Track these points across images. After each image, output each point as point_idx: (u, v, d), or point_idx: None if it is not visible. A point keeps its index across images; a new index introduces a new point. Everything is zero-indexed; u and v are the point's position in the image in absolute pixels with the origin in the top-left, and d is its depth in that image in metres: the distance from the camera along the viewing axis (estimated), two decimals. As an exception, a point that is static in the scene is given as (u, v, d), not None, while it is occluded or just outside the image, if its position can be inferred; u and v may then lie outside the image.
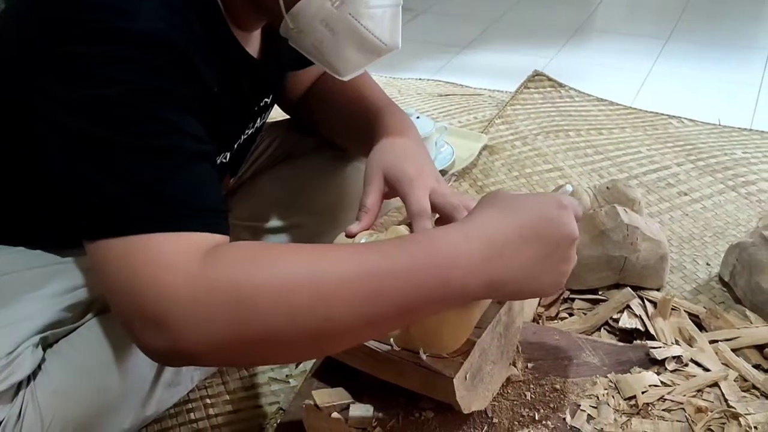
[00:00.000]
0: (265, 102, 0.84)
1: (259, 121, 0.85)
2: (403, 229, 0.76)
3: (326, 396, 0.78)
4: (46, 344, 0.70)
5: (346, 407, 0.77)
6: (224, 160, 0.77)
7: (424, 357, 0.70)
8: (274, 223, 0.91)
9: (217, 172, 0.61)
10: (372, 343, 0.72)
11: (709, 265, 1.10)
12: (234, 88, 0.72)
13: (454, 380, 0.67)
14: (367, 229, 0.75)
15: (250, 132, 0.84)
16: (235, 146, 0.80)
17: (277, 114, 0.96)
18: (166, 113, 0.54)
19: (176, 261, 0.50)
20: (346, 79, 0.71)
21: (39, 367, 0.68)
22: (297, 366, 0.92)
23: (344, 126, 0.90)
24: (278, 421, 0.81)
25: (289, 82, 0.92)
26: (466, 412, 0.71)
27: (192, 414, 0.85)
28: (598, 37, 2.21)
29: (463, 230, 0.57)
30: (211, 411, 0.86)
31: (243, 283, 0.49)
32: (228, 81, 0.69)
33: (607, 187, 1.09)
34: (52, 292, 0.69)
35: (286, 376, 0.91)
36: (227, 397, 0.88)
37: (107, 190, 0.52)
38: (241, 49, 0.72)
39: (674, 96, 1.74)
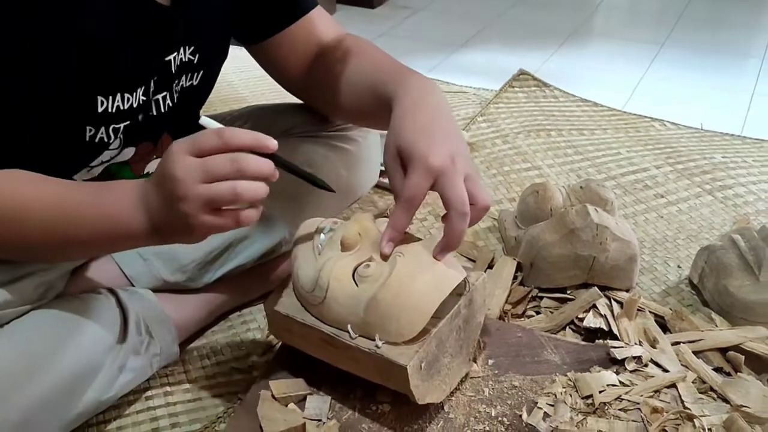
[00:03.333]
0: (187, 58, 0.80)
1: (185, 78, 0.81)
2: (368, 217, 0.76)
3: (283, 386, 0.78)
4: None
5: (303, 398, 0.77)
6: (121, 106, 0.73)
7: (380, 344, 0.69)
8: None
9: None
10: (330, 330, 0.72)
11: (680, 267, 1.10)
12: (126, 35, 0.70)
13: (408, 368, 0.67)
14: (402, 234, 0.72)
15: (166, 84, 0.79)
16: (140, 97, 0.75)
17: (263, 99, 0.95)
18: None
19: None
20: None
21: None
22: (260, 357, 0.92)
23: (357, 101, 0.84)
24: (234, 411, 0.81)
25: (283, 53, 0.89)
26: (420, 402, 0.71)
27: (151, 401, 0.85)
28: (594, 40, 2.22)
29: (136, 197, 0.66)
30: (170, 399, 0.85)
31: None
32: (120, 28, 0.69)
33: (581, 187, 1.08)
34: (5, 278, 0.69)
35: (249, 366, 0.90)
36: (187, 385, 0.87)
37: None
38: None
39: (666, 101, 1.74)
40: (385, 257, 0.71)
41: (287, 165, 0.69)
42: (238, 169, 0.62)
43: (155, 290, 0.87)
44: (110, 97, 0.71)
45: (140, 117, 0.77)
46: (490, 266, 1.05)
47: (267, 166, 0.63)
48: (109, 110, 0.72)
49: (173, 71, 0.79)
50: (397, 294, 0.69)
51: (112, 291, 0.82)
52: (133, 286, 0.87)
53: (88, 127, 0.72)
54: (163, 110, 0.80)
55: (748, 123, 1.65)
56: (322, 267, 0.72)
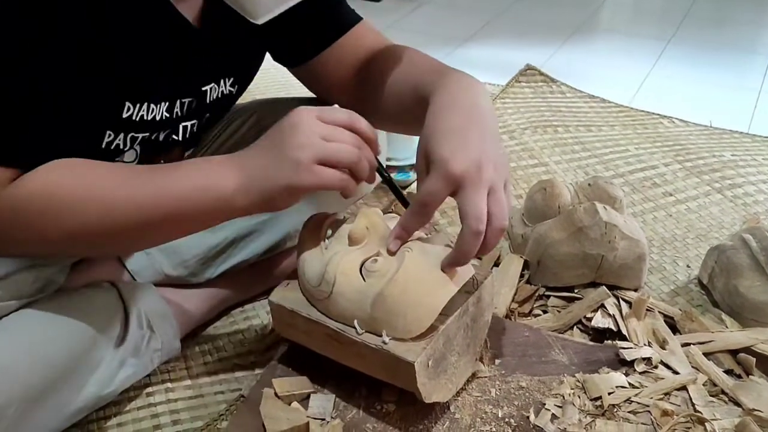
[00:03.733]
0: (228, 91, 0.81)
1: (221, 108, 0.82)
2: (376, 212, 0.74)
3: (287, 384, 0.77)
4: None
5: (307, 397, 0.76)
6: (145, 115, 0.73)
7: (387, 340, 0.68)
8: None
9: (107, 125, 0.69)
10: (336, 325, 0.71)
11: (689, 267, 1.09)
12: (158, 45, 0.70)
13: (416, 365, 0.66)
14: (410, 237, 0.71)
15: (194, 107, 0.79)
16: (164, 113, 0.75)
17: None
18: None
19: None
20: (258, 21, 0.67)
21: None
22: (263, 354, 0.90)
23: (400, 105, 0.80)
24: (236, 409, 0.80)
25: (329, 70, 0.86)
26: (426, 401, 0.70)
27: (152, 398, 0.84)
28: (600, 36, 2.20)
29: (225, 161, 0.67)
30: (171, 395, 0.84)
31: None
32: (152, 38, 0.69)
33: (589, 184, 1.07)
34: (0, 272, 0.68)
35: (252, 363, 0.89)
36: (189, 382, 0.86)
37: None
38: (169, 7, 0.69)
39: (672, 97, 1.72)
40: (391, 254, 0.70)
41: (382, 169, 0.73)
42: (359, 146, 0.66)
43: (157, 284, 0.86)
44: (138, 105, 0.71)
45: (162, 135, 0.77)
46: (497, 264, 1.03)
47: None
48: (133, 117, 0.71)
49: (208, 101, 0.79)
50: (404, 290, 0.67)
51: (113, 284, 0.81)
52: (134, 280, 0.86)
53: (107, 132, 0.71)
54: (187, 136, 0.80)
55: (756, 120, 1.63)
56: (329, 261, 0.71)
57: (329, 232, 0.75)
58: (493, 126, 0.69)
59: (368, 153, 0.68)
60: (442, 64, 0.79)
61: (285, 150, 0.64)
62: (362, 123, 0.67)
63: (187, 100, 0.77)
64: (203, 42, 0.74)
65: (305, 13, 0.77)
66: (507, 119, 1.54)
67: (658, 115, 1.60)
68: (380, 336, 0.69)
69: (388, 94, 0.81)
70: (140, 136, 0.74)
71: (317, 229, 0.75)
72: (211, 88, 0.79)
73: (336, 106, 0.71)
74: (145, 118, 0.72)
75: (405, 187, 1.26)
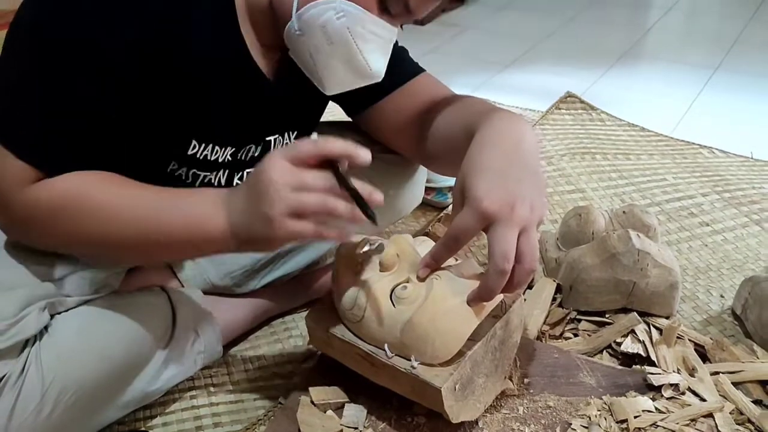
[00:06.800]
0: (290, 142, 0.84)
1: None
2: (407, 239, 0.78)
3: (323, 393, 0.80)
4: (56, 311, 0.74)
5: (341, 406, 0.80)
6: (209, 156, 0.78)
7: (415, 365, 0.71)
8: None
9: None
10: (368, 348, 0.74)
11: (723, 297, 1.09)
12: (232, 91, 0.75)
13: (443, 390, 0.69)
14: (439, 266, 0.73)
15: (256, 155, 0.83)
16: (228, 156, 0.80)
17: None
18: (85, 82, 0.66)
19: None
20: (328, 93, 0.73)
21: (47, 329, 0.72)
22: (301, 364, 0.94)
23: (452, 148, 0.79)
24: (274, 414, 0.84)
25: (387, 120, 0.90)
26: (454, 421, 0.72)
27: (195, 400, 0.88)
28: (645, 63, 2.19)
29: (219, 200, 0.68)
30: (213, 399, 0.89)
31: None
32: (227, 83, 0.74)
33: (624, 212, 1.09)
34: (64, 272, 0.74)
35: (290, 372, 0.93)
36: (230, 387, 0.91)
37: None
38: (249, 60, 0.75)
39: (715, 127, 1.71)
40: (421, 281, 0.73)
41: (347, 183, 0.66)
42: (331, 187, 0.64)
43: (204, 293, 0.91)
44: (203, 144, 0.77)
45: (223, 179, 0.82)
46: (530, 287, 1.06)
47: (355, 209, 0.64)
48: (198, 156, 0.77)
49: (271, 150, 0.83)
50: (432, 318, 0.70)
51: (163, 289, 0.86)
52: (183, 287, 0.91)
53: (172, 162, 0.77)
54: (244, 178, 0.84)
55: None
56: (362, 286, 0.74)
57: (363, 255, 0.78)
58: (534, 165, 0.69)
59: (339, 193, 0.64)
60: (494, 106, 0.80)
61: (258, 205, 0.64)
62: (330, 145, 0.64)
63: (251, 148, 0.82)
64: (274, 95, 0.80)
65: None
66: (546, 145, 1.56)
67: (698, 145, 1.60)
68: (409, 360, 0.72)
69: (441, 137, 0.83)
70: (202, 174, 0.80)
71: (351, 254, 0.78)
72: (275, 139, 0.85)
73: (307, 138, 0.71)
74: (209, 158, 0.78)
75: (443, 209, 1.30)
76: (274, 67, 0.79)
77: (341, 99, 0.90)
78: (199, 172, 0.79)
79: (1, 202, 0.68)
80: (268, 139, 0.84)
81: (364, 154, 0.64)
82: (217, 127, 0.77)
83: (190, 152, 0.76)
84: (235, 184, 0.83)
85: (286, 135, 0.86)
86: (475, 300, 0.70)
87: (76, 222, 0.68)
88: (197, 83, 0.73)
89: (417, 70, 0.91)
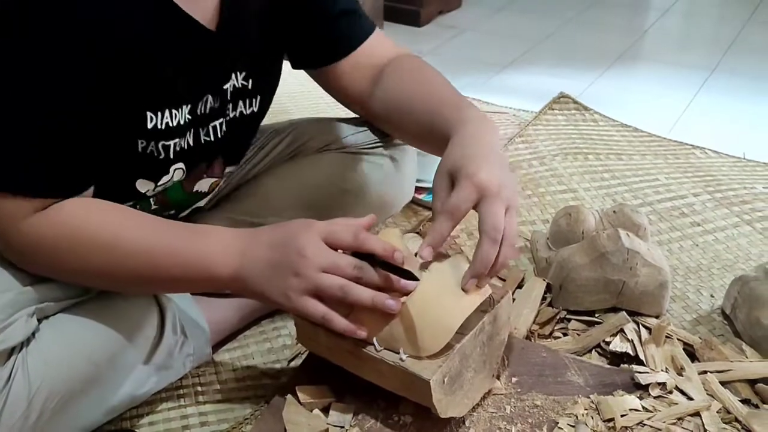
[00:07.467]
0: (240, 84, 0.83)
1: (244, 105, 0.85)
2: (396, 234, 0.78)
3: (309, 393, 0.80)
4: (43, 316, 0.73)
5: (327, 405, 0.79)
6: (170, 122, 0.76)
7: (404, 357, 0.71)
8: (270, 219, 0.92)
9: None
10: (355, 342, 0.74)
11: (713, 297, 1.09)
12: (171, 52, 0.74)
13: (431, 382, 0.69)
14: (443, 241, 0.73)
15: (216, 106, 0.82)
16: (186, 115, 0.78)
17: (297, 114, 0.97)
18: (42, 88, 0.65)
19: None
20: None
21: (33, 335, 0.71)
22: (289, 363, 0.94)
23: (417, 129, 0.87)
24: (260, 414, 0.83)
25: (345, 79, 0.92)
26: (442, 416, 0.72)
27: (182, 400, 0.88)
28: (642, 64, 2.19)
29: (235, 249, 0.72)
30: (200, 398, 0.88)
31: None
32: (164, 45, 0.73)
33: (614, 211, 1.09)
34: None
35: (278, 371, 0.93)
36: (218, 386, 0.90)
37: None
38: (182, 14, 0.73)
39: (709, 128, 1.71)
40: (422, 263, 0.73)
41: (389, 266, 0.71)
42: (358, 277, 0.69)
43: (192, 294, 0.90)
44: (158, 113, 0.75)
45: (191, 138, 0.80)
46: (520, 286, 1.06)
47: (379, 297, 0.69)
48: (159, 126, 0.76)
49: (228, 98, 0.83)
50: (421, 310, 0.70)
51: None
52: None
53: (139, 141, 0.76)
54: (219, 135, 0.84)
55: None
56: None
57: None
58: (506, 161, 0.77)
59: (368, 278, 0.69)
60: (456, 94, 0.85)
61: (280, 272, 0.68)
62: (368, 243, 0.70)
63: (207, 99, 0.80)
64: (216, 45, 0.78)
65: (321, 22, 0.86)
66: (538, 145, 1.56)
67: (691, 145, 1.60)
68: (398, 353, 0.72)
69: (406, 114, 0.87)
70: (171, 143, 0.78)
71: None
72: (229, 85, 0.82)
73: (345, 221, 0.73)
74: (170, 125, 0.76)
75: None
76: (211, 14, 0.76)
77: (296, 58, 0.92)
78: (167, 143, 0.77)
79: (3, 239, 0.69)
80: (224, 87, 0.82)
81: (398, 256, 0.70)
82: (165, 91, 0.75)
83: (150, 126, 0.75)
84: (202, 140, 0.82)
85: (233, 76, 0.82)
86: (472, 275, 0.71)
87: (82, 259, 0.70)
88: (135, 54, 0.70)
89: (370, 28, 0.93)
